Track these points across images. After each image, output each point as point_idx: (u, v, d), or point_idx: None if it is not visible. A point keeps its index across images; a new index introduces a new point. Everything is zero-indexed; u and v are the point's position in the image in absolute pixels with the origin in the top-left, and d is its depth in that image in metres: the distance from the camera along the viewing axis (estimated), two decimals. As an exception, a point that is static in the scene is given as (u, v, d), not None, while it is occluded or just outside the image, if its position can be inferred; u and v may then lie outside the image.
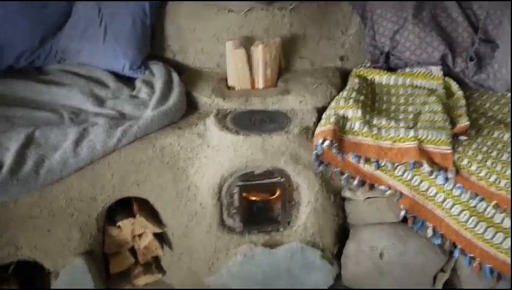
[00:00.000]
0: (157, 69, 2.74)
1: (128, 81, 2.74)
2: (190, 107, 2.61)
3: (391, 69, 2.89)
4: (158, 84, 2.61)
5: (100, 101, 2.56)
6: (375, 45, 2.93)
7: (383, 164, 2.34)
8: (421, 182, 2.32)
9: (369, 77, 2.81)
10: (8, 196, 2.14)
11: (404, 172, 2.33)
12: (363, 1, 2.99)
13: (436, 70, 2.77)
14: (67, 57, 2.86)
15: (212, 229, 2.43)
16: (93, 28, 2.82)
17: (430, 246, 2.35)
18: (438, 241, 2.30)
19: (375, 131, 2.36)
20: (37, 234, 2.29)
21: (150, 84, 2.65)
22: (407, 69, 2.84)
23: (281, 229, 2.49)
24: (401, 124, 2.38)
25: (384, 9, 2.92)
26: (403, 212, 2.36)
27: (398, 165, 2.33)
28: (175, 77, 2.70)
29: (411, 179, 2.32)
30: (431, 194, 2.29)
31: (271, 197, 2.49)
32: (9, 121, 2.42)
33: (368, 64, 2.91)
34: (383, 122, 2.40)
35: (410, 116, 2.50)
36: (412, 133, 2.33)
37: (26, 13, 2.82)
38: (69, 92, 2.61)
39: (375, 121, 2.41)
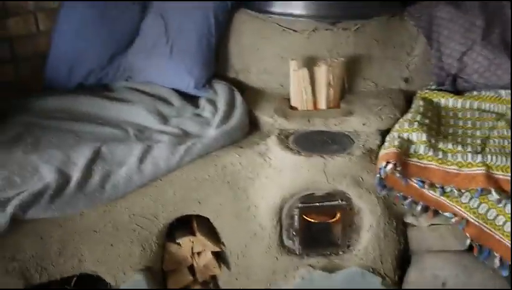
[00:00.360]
0: (221, 88, 2.76)
1: (192, 100, 2.78)
2: (252, 127, 2.62)
3: (458, 91, 2.82)
4: (221, 103, 2.64)
5: (164, 119, 2.60)
6: (441, 67, 2.87)
7: (448, 190, 2.28)
8: (488, 210, 2.23)
9: (435, 100, 2.75)
10: (74, 209, 2.20)
11: (470, 199, 2.26)
12: (429, 21, 2.93)
13: (506, 94, 2.69)
14: (133, 75, 2.92)
15: (270, 250, 2.42)
16: (159, 46, 2.88)
17: (497, 278, 2.27)
18: (505, 272, 2.21)
19: (440, 155, 2.30)
20: (100, 247, 2.33)
21: (213, 103, 2.68)
22: (475, 92, 2.76)
23: (341, 253, 2.45)
24: (469, 149, 2.31)
25: (451, 30, 2.86)
26: (468, 241, 2.29)
27: (464, 192, 2.26)
28: (238, 96, 2.72)
29: (478, 207, 2.24)
30: (499, 223, 2.21)
31: (331, 220, 2.45)
32: (78, 136, 2.50)
33: (434, 87, 2.85)
34: (449, 146, 2.34)
35: (478, 141, 2.43)
36: (479, 158, 2.25)
37: (98, 31, 2.90)
38: (134, 109, 2.66)
39: (440, 145, 2.35)
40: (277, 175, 2.36)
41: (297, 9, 2.85)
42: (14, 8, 2.80)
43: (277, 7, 2.90)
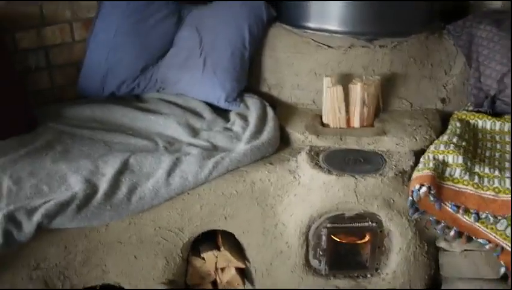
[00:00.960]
0: (252, 103, 2.73)
1: (222, 113, 2.76)
2: (283, 143, 2.58)
3: (496, 113, 2.72)
4: (252, 118, 2.61)
5: (195, 132, 2.58)
6: (480, 88, 2.78)
7: (483, 216, 2.19)
8: (525, 238, 2.15)
9: (472, 121, 2.66)
10: (100, 220, 2.18)
11: (506, 226, 2.17)
12: (469, 40, 2.85)
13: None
14: (165, 86, 2.92)
15: (296, 269, 2.37)
16: (193, 58, 2.87)
17: (533, 310, 2.17)
18: (541, 304, 2.11)
19: (477, 180, 2.22)
20: (124, 259, 2.31)
21: (244, 118, 2.65)
22: (514, 115, 2.67)
23: (369, 275, 2.39)
24: (507, 174, 2.23)
25: (491, 50, 2.77)
26: (503, 269, 2.21)
27: (500, 219, 2.17)
28: (269, 111, 2.69)
29: (514, 235, 2.16)
30: (536, 253, 2.12)
31: (360, 242, 2.39)
32: (108, 146, 2.50)
33: (471, 108, 2.76)
34: (486, 170, 2.26)
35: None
36: (511, 186, 2.17)
37: (132, 41, 2.92)
38: (165, 121, 2.65)
39: (477, 169, 2.27)
40: (306, 193, 2.31)
41: (333, 25, 2.81)
42: (51, 17, 2.82)
43: (313, 22, 2.86)
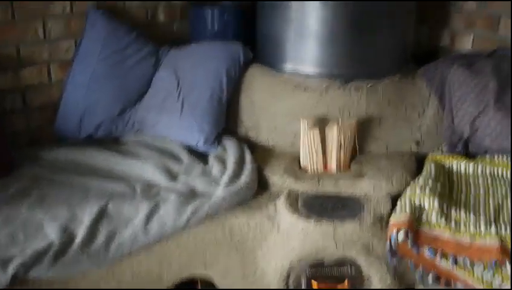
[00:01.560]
0: (230, 145, 2.74)
1: (201, 156, 2.76)
2: (261, 186, 2.58)
3: (470, 155, 2.78)
4: (230, 161, 2.61)
5: (172, 176, 2.57)
6: (453, 130, 2.83)
7: (460, 260, 2.22)
8: (502, 282, 2.17)
9: (446, 164, 2.71)
10: (77, 270, 2.15)
11: (484, 271, 2.20)
12: (441, 82, 2.92)
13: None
14: (143, 128, 2.92)
15: (277, 315, 2.36)
16: (170, 100, 2.88)
17: None
18: None
19: (453, 225, 2.25)
20: (102, 307, 2.28)
21: (222, 161, 2.65)
22: (487, 157, 2.71)
23: (349, 320, 2.39)
24: (482, 218, 2.27)
25: (464, 92, 2.83)
26: (481, 314, 2.22)
27: (478, 263, 2.20)
28: (247, 154, 2.70)
29: (491, 279, 2.18)
30: (514, 297, 2.14)
31: (340, 287, 2.39)
32: (85, 191, 2.47)
33: (445, 149, 2.81)
34: (462, 215, 2.29)
35: (491, 210, 2.37)
36: (493, 229, 2.20)
37: (110, 83, 2.91)
38: (142, 165, 2.64)
39: (453, 213, 2.30)
40: (285, 239, 2.32)
41: (310, 67, 2.85)
42: (29, 59, 2.81)
43: (289, 64, 2.90)
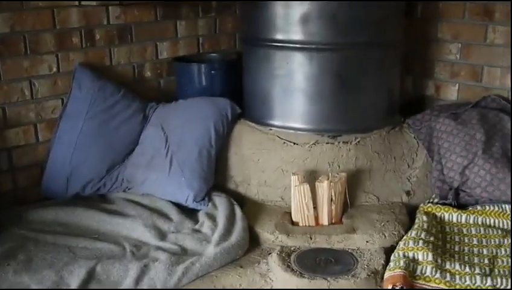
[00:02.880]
0: (220, 202, 2.72)
1: (190, 213, 2.72)
2: (252, 243, 2.55)
3: (461, 205, 2.77)
4: (221, 218, 2.58)
5: (162, 235, 2.53)
6: (443, 180, 2.84)
7: (458, 315, 2.18)
8: (500, 337, 2.14)
9: (438, 214, 2.70)
10: (65, 336, 2.08)
11: (480, 325, 2.16)
12: (429, 134, 2.94)
13: (510, 209, 2.64)
14: (132, 186, 2.89)
15: None
16: (159, 158, 2.86)
17: None
18: None
19: (448, 278, 2.22)
20: None
21: (212, 218, 2.62)
22: (479, 207, 2.71)
23: None
24: (476, 270, 2.24)
25: (451, 143, 2.85)
26: None
27: (474, 318, 2.17)
28: (238, 210, 2.67)
29: (490, 334, 2.14)
30: None
31: None
32: (73, 253, 2.41)
33: (436, 200, 2.81)
34: (457, 267, 2.26)
35: (485, 261, 2.36)
36: (489, 281, 2.18)
37: (97, 141, 2.89)
38: (132, 224, 2.60)
39: (447, 266, 2.28)
40: (279, 298, 2.27)
41: (298, 122, 2.88)
42: (15, 120, 2.80)
43: (277, 120, 2.93)
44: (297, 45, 2.81)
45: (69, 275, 2.24)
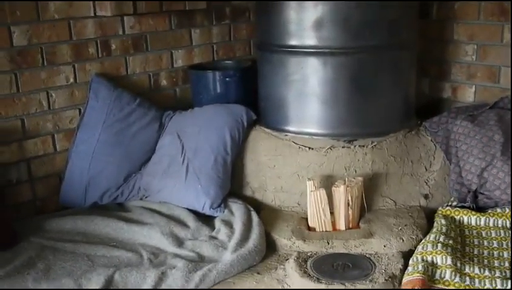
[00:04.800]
0: (237, 209, 2.72)
1: (207, 220, 2.73)
2: (269, 249, 2.54)
3: (480, 208, 2.74)
4: (237, 225, 2.58)
5: (179, 242, 2.54)
6: (461, 183, 2.81)
7: (478, 319, 2.15)
8: (522, 340, 2.10)
9: (457, 217, 2.67)
10: None
11: (502, 328, 2.13)
12: (446, 136, 2.91)
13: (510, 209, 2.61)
14: (149, 194, 2.90)
15: None
16: (175, 165, 2.87)
17: None
18: None
19: (468, 281, 2.19)
20: None
21: (229, 224, 2.62)
22: (498, 209, 2.67)
23: None
24: (497, 274, 2.21)
25: (469, 145, 2.82)
26: None
27: (495, 321, 2.14)
28: (254, 217, 2.67)
29: (511, 337, 2.11)
30: None
31: None
32: (91, 261, 2.43)
33: (455, 203, 2.78)
34: (476, 271, 2.23)
35: (506, 264, 2.32)
36: (510, 285, 2.14)
37: (114, 151, 2.92)
38: (149, 231, 2.61)
39: (467, 270, 2.25)
40: (296, 304, 2.26)
41: (313, 127, 2.87)
42: (33, 130, 2.83)
43: (292, 126, 2.92)
44: (311, 50, 2.81)
45: (87, 283, 2.26)
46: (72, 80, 2.93)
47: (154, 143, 3.01)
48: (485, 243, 2.51)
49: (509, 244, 2.47)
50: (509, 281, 2.16)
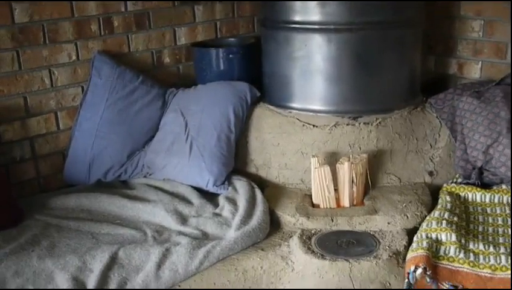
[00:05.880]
0: (241, 186, 2.71)
1: (211, 198, 2.72)
2: (273, 226, 2.54)
3: (485, 185, 2.73)
4: (241, 202, 2.58)
5: (183, 219, 2.53)
6: (466, 159, 2.79)
7: (483, 295, 2.15)
8: (526, 316, 2.10)
9: (462, 194, 2.66)
10: (88, 320, 2.10)
11: (506, 305, 2.13)
12: (452, 113, 2.89)
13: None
14: (153, 172, 2.90)
15: None
16: (179, 143, 2.86)
17: None
18: None
19: (472, 258, 2.19)
20: None
21: (233, 202, 2.62)
22: (504, 186, 2.66)
23: None
24: (502, 250, 2.21)
25: (475, 122, 2.80)
26: None
27: (500, 297, 2.13)
28: (258, 193, 2.66)
29: (515, 313, 2.11)
30: (538, 332, 2.06)
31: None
32: (95, 238, 2.43)
33: (460, 180, 2.77)
34: (481, 247, 2.23)
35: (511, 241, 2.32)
36: (510, 260, 2.14)
37: (118, 128, 2.91)
38: (153, 209, 2.61)
39: (471, 246, 2.24)
40: (300, 280, 2.26)
41: (317, 104, 2.85)
42: (36, 108, 2.82)
43: (297, 102, 2.90)
44: (316, 26, 2.77)
45: (92, 260, 2.26)
46: (74, 57, 2.91)
47: (158, 121, 3.00)
48: (490, 219, 2.50)
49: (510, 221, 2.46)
50: (510, 257, 2.15)
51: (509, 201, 2.59)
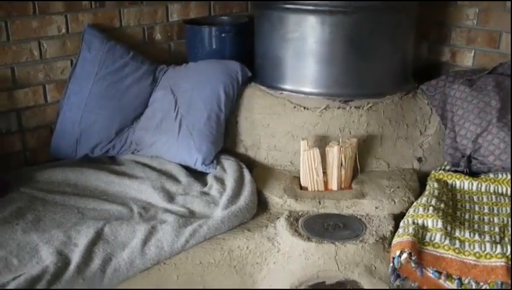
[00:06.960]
0: (229, 165, 2.70)
1: (199, 176, 2.71)
2: (260, 207, 2.54)
3: (473, 173, 2.73)
4: (229, 182, 2.57)
5: (170, 197, 2.52)
6: (455, 147, 2.80)
7: (466, 282, 2.16)
8: (508, 303, 2.11)
9: (449, 181, 2.67)
10: (72, 295, 2.09)
11: (489, 292, 2.14)
12: (443, 100, 2.89)
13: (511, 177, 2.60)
14: (141, 148, 2.88)
15: (278, 339, 2.29)
16: (168, 120, 2.84)
17: None
18: None
19: (457, 245, 2.20)
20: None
21: (221, 181, 2.60)
22: (491, 175, 2.67)
23: None
24: (487, 238, 2.21)
25: (466, 110, 2.80)
26: (487, 336, 2.15)
27: (483, 284, 2.14)
28: (246, 174, 2.65)
29: (498, 301, 2.12)
30: (520, 320, 2.08)
31: (342, 310, 2.33)
32: (81, 213, 2.42)
33: (448, 167, 2.77)
34: (467, 235, 2.24)
35: (496, 229, 2.33)
36: (499, 249, 2.15)
37: (107, 103, 2.88)
38: (140, 185, 2.59)
39: (457, 233, 2.25)
40: (286, 261, 2.26)
41: (309, 86, 2.83)
42: (24, 80, 2.78)
43: (288, 84, 2.88)
44: (310, 7, 2.74)
45: (77, 235, 2.25)
46: (64, 30, 2.87)
47: (147, 97, 2.97)
48: (476, 208, 2.51)
49: (502, 210, 2.47)
50: (498, 246, 2.17)
51: (496, 190, 2.60)
